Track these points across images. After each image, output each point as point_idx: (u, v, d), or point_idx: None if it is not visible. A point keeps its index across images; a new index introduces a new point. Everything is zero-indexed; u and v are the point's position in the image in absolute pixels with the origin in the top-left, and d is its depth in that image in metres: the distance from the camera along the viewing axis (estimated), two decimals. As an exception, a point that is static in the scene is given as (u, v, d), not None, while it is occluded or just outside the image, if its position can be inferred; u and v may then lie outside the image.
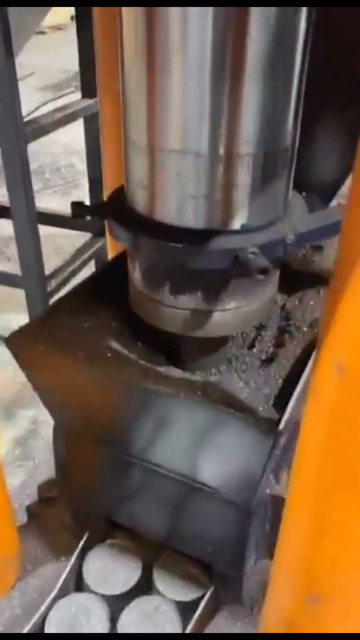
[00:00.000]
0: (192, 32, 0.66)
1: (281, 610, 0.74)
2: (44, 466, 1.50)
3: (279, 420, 0.79)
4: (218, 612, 1.14)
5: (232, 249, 0.75)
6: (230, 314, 0.85)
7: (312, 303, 1.07)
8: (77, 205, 0.90)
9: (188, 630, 1.06)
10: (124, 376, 0.86)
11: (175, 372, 0.91)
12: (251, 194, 0.77)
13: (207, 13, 0.64)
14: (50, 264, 2.57)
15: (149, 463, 0.99)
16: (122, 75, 0.77)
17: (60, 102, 2.40)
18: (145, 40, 0.69)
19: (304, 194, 1.21)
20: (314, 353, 0.93)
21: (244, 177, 0.75)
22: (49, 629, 1.06)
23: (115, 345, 0.95)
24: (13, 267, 3.10)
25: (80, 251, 2.72)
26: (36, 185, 3.23)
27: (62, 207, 4.15)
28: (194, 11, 0.64)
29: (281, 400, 0.84)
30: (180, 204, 0.77)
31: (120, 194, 0.88)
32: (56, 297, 2.57)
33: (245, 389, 0.87)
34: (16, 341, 0.93)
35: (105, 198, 1.54)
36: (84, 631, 1.05)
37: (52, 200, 4.24)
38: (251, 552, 1.06)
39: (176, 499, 1.04)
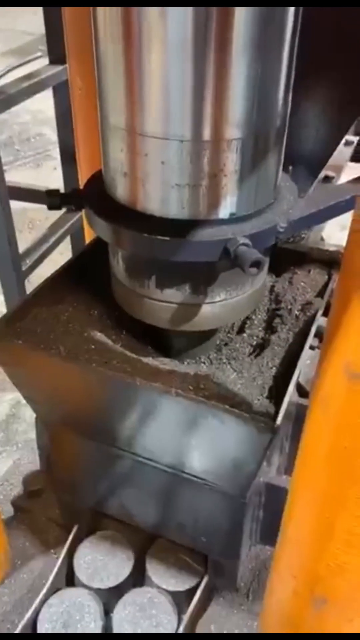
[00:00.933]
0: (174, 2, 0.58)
1: (283, 610, 0.72)
2: (27, 452, 1.45)
3: (276, 415, 0.75)
4: (213, 600, 1.13)
5: (221, 239, 0.70)
6: (219, 306, 0.80)
7: (302, 284, 1.02)
8: (52, 195, 0.83)
9: (185, 619, 1.04)
10: (110, 372, 0.81)
11: (164, 363, 0.86)
12: (240, 181, 0.71)
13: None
14: (24, 241, 2.47)
15: (139, 457, 0.95)
16: (95, 48, 0.69)
17: (26, 69, 2.26)
18: (122, 10, 0.62)
19: (291, 167, 1.15)
20: (308, 340, 0.90)
21: (232, 163, 0.69)
22: (42, 627, 1.03)
23: (98, 336, 0.90)
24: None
25: (54, 227, 2.62)
26: (5, 157, 3.09)
27: (33, 179, 4.02)
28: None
29: (277, 391, 0.80)
30: (164, 193, 0.71)
31: (98, 181, 0.81)
32: (31, 275, 2.48)
33: (239, 380, 0.82)
34: (-8, 337, 0.87)
35: (80, 176, 1.46)
36: (77, 628, 1.03)
37: (23, 172, 4.09)
38: (246, 540, 1.04)
39: (168, 490, 1.01)
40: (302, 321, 0.95)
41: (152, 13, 0.59)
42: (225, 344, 0.96)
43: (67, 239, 2.70)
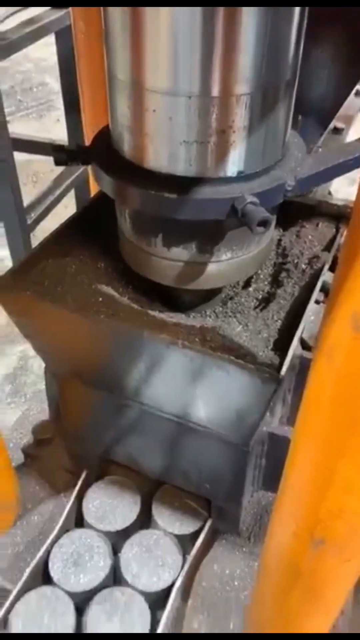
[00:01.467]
0: None
1: (283, 551, 0.75)
2: (36, 402, 1.49)
3: (280, 366, 0.76)
4: (216, 542, 1.18)
5: (229, 197, 0.69)
6: (225, 264, 0.81)
7: (310, 237, 1.02)
8: (58, 151, 0.82)
9: (189, 559, 1.09)
10: (118, 323, 0.83)
11: (170, 316, 0.88)
12: (248, 138, 0.70)
13: None
14: (28, 195, 2.45)
15: (145, 405, 0.98)
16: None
17: (27, 14, 2.19)
18: None
19: (300, 118, 1.13)
20: (314, 293, 0.90)
21: (241, 119, 0.68)
22: (53, 565, 1.09)
23: (105, 289, 0.91)
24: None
25: (59, 180, 2.59)
26: (8, 108, 3.03)
27: (36, 131, 3.94)
28: None
29: (281, 344, 0.82)
30: (171, 150, 0.70)
31: (104, 136, 0.80)
32: (36, 230, 2.48)
33: (244, 333, 0.84)
34: (1, 289, 0.88)
35: (84, 127, 1.43)
36: (87, 567, 1.08)
37: (26, 124, 4.00)
38: (248, 487, 1.08)
39: (173, 438, 1.04)
40: (309, 275, 0.96)
41: None
42: (231, 298, 0.96)
43: (72, 192, 2.68)
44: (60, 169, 2.72)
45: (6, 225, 2.32)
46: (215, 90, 0.65)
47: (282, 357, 0.78)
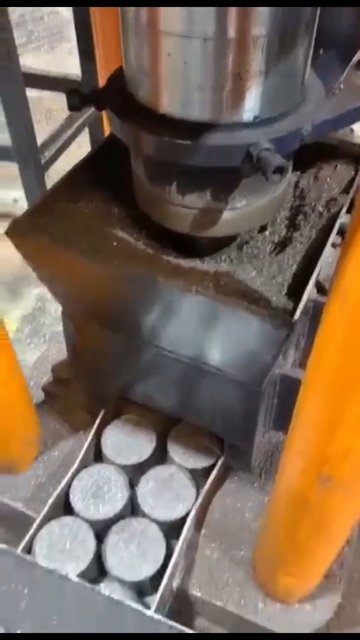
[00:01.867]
0: None
1: (293, 487, 0.79)
2: (54, 343, 1.53)
3: (293, 311, 0.77)
4: (228, 478, 1.23)
5: (244, 144, 0.68)
6: (240, 212, 0.80)
7: (328, 180, 1.00)
8: (73, 94, 0.80)
9: (202, 493, 1.15)
10: (133, 269, 0.83)
11: (185, 261, 0.88)
12: (265, 82, 0.68)
13: None
14: (41, 133, 2.40)
15: (159, 348, 1.00)
16: None
17: None
18: None
19: (322, 51, 1.08)
20: (330, 237, 0.89)
21: (257, 63, 0.65)
22: (74, 496, 1.15)
23: (120, 233, 0.91)
24: (2, 135, 2.91)
25: (72, 118, 2.52)
26: (18, 39, 2.91)
27: (48, 64, 3.80)
28: None
29: (295, 289, 0.82)
30: (186, 94, 0.68)
31: (118, 79, 0.78)
32: (50, 169, 2.44)
33: (258, 277, 0.84)
34: (17, 233, 0.89)
35: (98, 60, 1.38)
36: (106, 498, 1.14)
37: (37, 56, 3.86)
38: (260, 426, 1.11)
39: (188, 379, 1.07)
40: (326, 218, 0.94)
41: None
42: (247, 242, 0.96)
43: (86, 131, 2.61)
44: (74, 105, 2.64)
45: (20, 165, 2.29)
46: (231, 32, 0.62)
47: (296, 302, 0.78)
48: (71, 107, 0.82)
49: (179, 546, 1.06)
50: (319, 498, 0.75)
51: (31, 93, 2.30)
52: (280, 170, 0.65)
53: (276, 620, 1.08)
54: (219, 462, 1.19)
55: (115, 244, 0.89)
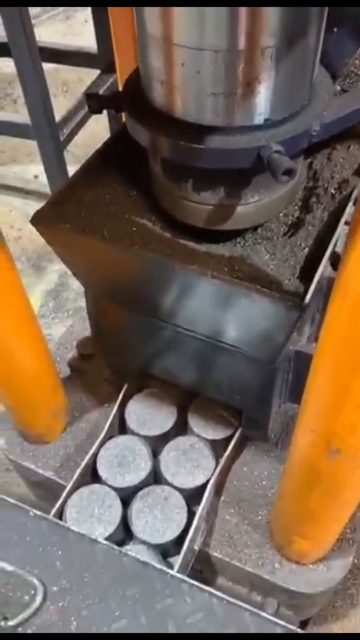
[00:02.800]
0: None
1: (305, 459, 0.84)
2: (78, 319, 1.59)
3: (305, 294, 0.81)
4: (246, 448, 1.30)
5: (255, 147, 0.72)
6: (253, 206, 0.84)
7: (341, 160, 1.01)
8: (92, 98, 0.85)
9: (221, 462, 1.21)
10: (151, 254, 0.87)
11: (201, 245, 0.92)
12: (274, 87, 0.71)
13: None
14: (59, 106, 2.41)
15: (178, 327, 1.05)
16: None
17: None
18: None
19: (335, 29, 1.08)
20: (342, 217, 0.92)
21: (266, 71, 0.68)
22: (101, 465, 1.23)
23: (138, 219, 0.95)
24: (21, 110, 2.93)
25: (90, 90, 2.52)
26: (33, 10, 2.90)
27: (63, 35, 3.77)
28: None
29: (307, 271, 0.86)
30: (199, 101, 0.72)
31: (136, 83, 0.82)
32: (70, 145, 2.46)
33: (271, 261, 0.87)
34: (41, 222, 0.93)
35: (112, 32, 1.38)
36: (131, 467, 1.21)
37: (53, 27, 3.83)
38: (276, 399, 1.17)
39: (206, 356, 1.12)
40: (338, 200, 0.96)
41: None
42: (260, 225, 0.99)
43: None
44: (91, 78, 2.64)
45: (39, 142, 2.32)
46: (241, 44, 0.65)
47: (307, 285, 0.82)
48: (92, 110, 0.86)
49: (199, 511, 1.13)
50: (329, 469, 0.80)
51: (48, 66, 2.31)
52: (289, 173, 0.68)
53: (291, 579, 1.15)
54: (237, 433, 1.25)
55: (134, 229, 0.93)
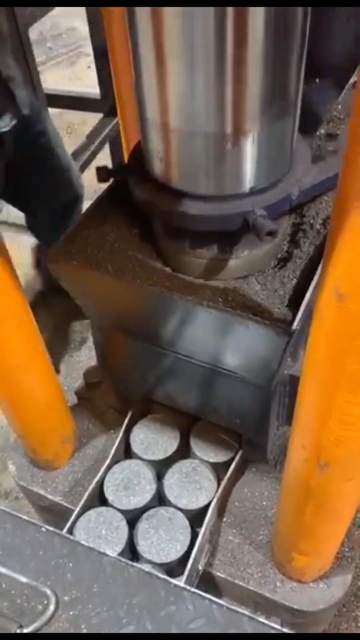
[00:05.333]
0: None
1: (298, 474, 0.90)
2: (85, 349, 1.67)
3: (292, 320, 0.88)
4: (247, 470, 1.35)
5: (241, 212, 0.83)
6: (244, 260, 0.95)
7: (326, 198, 1.10)
8: (102, 170, 1.00)
9: (222, 484, 1.27)
10: (152, 287, 0.95)
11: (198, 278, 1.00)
12: (258, 162, 0.82)
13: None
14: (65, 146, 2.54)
15: (179, 354, 1.12)
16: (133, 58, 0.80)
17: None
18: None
19: (317, 80, 1.19)
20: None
21: (250, 149, 0.80)
22: (108, 489, 1.28)
23: (140, 255, 1.03)
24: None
25: (93, 133, 2.66)
26: (39, 57, 3.07)
27: (69, 79, 3.95)
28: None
29: (296, 300, 0.93)
30: (193, 174, 0.84)
31: (138, 156, 0.95)
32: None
33: (262, 291, 0.95)
34: (53, 258, 1.02)
35: (113, 74, 1.50)
36: (136, 490, 1.27)
37: (57, 72, 4.02)
38: (274, 422, 1.23)
39: (206, 381, 1.18)
40: (323, 234, 1.05)
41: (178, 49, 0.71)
42: (254, 258, 1.07)
43: (106, 147, 2.74)
44: (94, 119, 2.78)
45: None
46: (228, 130, 0.77)
47: (294, 312, 0.89)
48: (100, 180, 1.02)
49: (202, 531, 1.18)
50: (320, 482, 0.86)
51: (52, 109, 2.44)
52: (272, 234, 0.78)
53: (292, 597, 1.19)
54: (238, 456, 1.31)
55: (136, 264, 1.01)
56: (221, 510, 1.30)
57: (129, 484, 1.29)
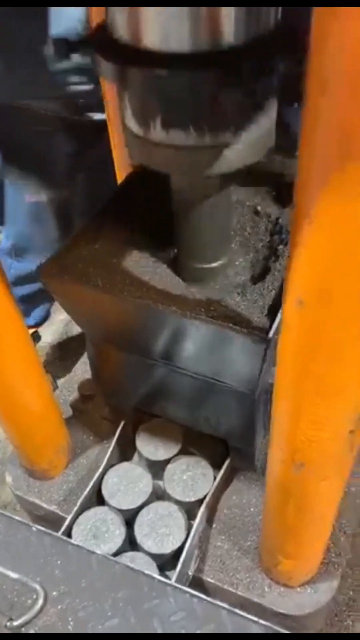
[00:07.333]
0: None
1: (277, 477, 0.94)
2: (80, 364, 1.72)
3: (269, 329, 0.94)
4: (235, 477, 1.39)
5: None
6: (225, 149, 0.81)
7: (304, 215, 1.16)
8: (60, 42, 0.87)
9: (212, 489, 1.31)
10: (139, 300, 1.01)
11: (182, 291, 1.05)
12: None
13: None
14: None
15: (167, 364, 1.17)
16: None
17: None
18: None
19: (295, 104, 1.26)
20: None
21: None
22: (105, 492, 1.32)
23: (129, 269, 1.09)
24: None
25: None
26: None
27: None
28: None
29: (275, 310, 0.99)
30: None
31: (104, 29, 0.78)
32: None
33: (242, 302, 1.01)
34: (45, 273, 1.08)
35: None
36: (135, 491, 1.31)
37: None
38: (259, 430, 1.27)
39: (193, 390, 1.23)
40: (301, 249, 1.11)
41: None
42: (235, 272, 1.13)
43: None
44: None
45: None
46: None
47: (272, 321, 0.95)
48: (59, 55, 0.87)
49: (191, 536, 1.22)
50: (298, 482, 0.91)
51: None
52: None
53: (280, 602, 1.23)
54: (225, 464, 1.35)
55: (125, 278, 1.07)
56: (210, 518, 1.34)
57: (127, 489, 1.33)
